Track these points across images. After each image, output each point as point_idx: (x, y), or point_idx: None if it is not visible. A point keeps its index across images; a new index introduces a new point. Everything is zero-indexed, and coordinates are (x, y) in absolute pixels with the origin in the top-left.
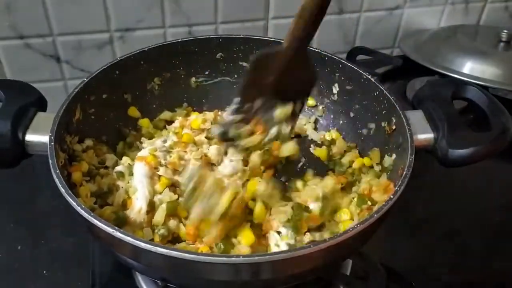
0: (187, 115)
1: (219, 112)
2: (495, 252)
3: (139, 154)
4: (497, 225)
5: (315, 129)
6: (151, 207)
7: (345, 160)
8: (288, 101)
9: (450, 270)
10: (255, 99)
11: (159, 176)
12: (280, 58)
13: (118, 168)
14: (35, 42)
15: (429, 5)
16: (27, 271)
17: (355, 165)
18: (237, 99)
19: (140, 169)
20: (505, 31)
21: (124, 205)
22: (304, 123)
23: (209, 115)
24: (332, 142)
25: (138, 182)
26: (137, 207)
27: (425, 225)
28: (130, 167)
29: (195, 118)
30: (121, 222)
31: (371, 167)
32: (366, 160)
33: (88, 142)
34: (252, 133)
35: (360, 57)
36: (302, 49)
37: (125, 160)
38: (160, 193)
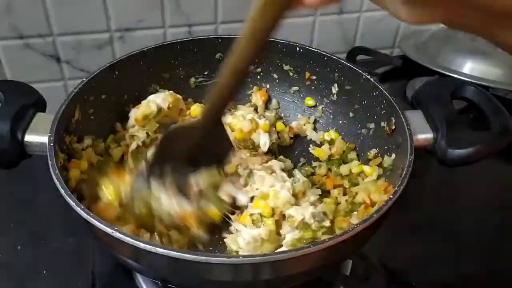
0: None
1: None
2: (495, 252)
3: None
4: (497, 225)
5: (314, 129)
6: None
7: (344, 169)
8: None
9: (450, 270)
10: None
11: None
12: (194, 132)
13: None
14: (35, 42)
15: None
16: (27, 271)
17: (354, 170)
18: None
19: None
20: None
21: None
22: (303, 123)
23: None
24: (331, 142)
25: None
26: None
27: (425, 225)
28: None
29: (195, 107)
30: None
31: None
32: (366, 170)
33: (88, 141)
34: None
35: (360, 57)
36: (216, 123)
37: None
38: None
